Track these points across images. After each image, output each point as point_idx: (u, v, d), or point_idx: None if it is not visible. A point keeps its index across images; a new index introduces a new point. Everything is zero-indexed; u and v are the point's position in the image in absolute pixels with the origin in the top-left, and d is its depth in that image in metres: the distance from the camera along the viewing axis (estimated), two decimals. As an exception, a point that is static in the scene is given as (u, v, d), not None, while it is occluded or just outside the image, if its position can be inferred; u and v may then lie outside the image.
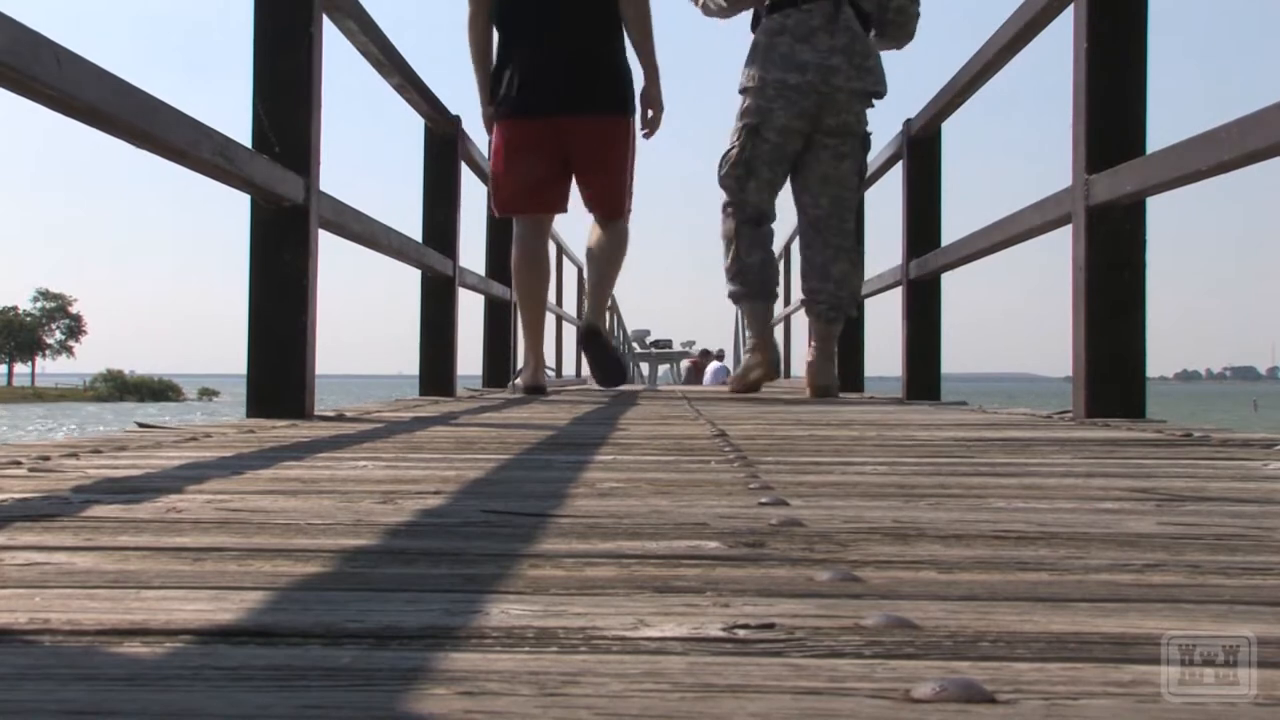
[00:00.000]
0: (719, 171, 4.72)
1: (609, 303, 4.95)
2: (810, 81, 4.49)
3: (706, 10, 4.70)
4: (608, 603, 0.71)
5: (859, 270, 4.79)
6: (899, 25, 4.67)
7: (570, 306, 9.73)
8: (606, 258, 4.56)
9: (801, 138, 4.59)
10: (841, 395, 4.96)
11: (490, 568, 0.83)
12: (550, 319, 7.24)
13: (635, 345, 18.70)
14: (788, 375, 9.60)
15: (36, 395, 60.64)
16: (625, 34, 4.38)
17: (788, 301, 8.56)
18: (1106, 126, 2.81)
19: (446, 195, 4.90)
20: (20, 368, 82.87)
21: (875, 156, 5.63)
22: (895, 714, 0.50)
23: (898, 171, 5.17)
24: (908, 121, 4.97)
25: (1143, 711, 0.50)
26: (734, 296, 4.80)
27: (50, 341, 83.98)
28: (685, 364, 19.40)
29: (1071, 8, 2.93)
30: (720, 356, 17.23)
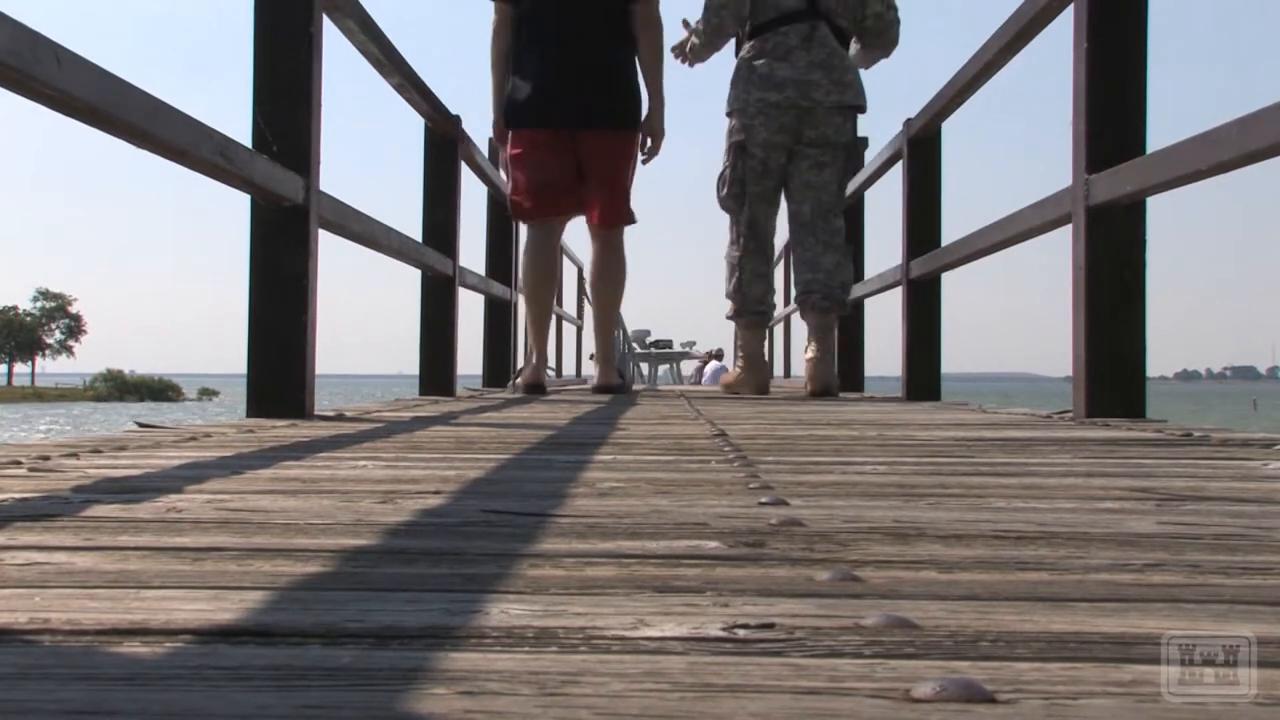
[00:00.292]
0: (718, 193, 4.90)
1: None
2: (790, 97, 4.66)
3: (695, 58, 4.85)
4: (608, 602, 0.71)
5: (849, 264, 4.90)
6: (878, 33, 4.80)
7: (570, 306, 9.74)
8: (609, 298, 4.73)
9: (784, 151, 4.76)
10: (841, 395, 4.97)
11: (490, 567, 0.83)
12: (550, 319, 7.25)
13: (635, 345, 18.69)
14: (787, 375, 9.61)
15: (36, 395, 60.61)
16: (637, 53, 4.50)
17: (787, 301, 8.56)
18: (1106, 126, 2.81)
19: (446, 195, 4.91)
20: (20, 367, 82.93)
21: (875, 157, 5.63)
22: (895, 714, 0.50)
23: (898, 171, 5.17)
24: (908, 121, 4.97)
25: (1143, 711, 0.50)
26: (733, 318, 5.00)
27: (50, 341, 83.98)
28: (694, 365, 19.35)
29: (1071, 8, 2.93)
30: (719, 356, 17.26)
